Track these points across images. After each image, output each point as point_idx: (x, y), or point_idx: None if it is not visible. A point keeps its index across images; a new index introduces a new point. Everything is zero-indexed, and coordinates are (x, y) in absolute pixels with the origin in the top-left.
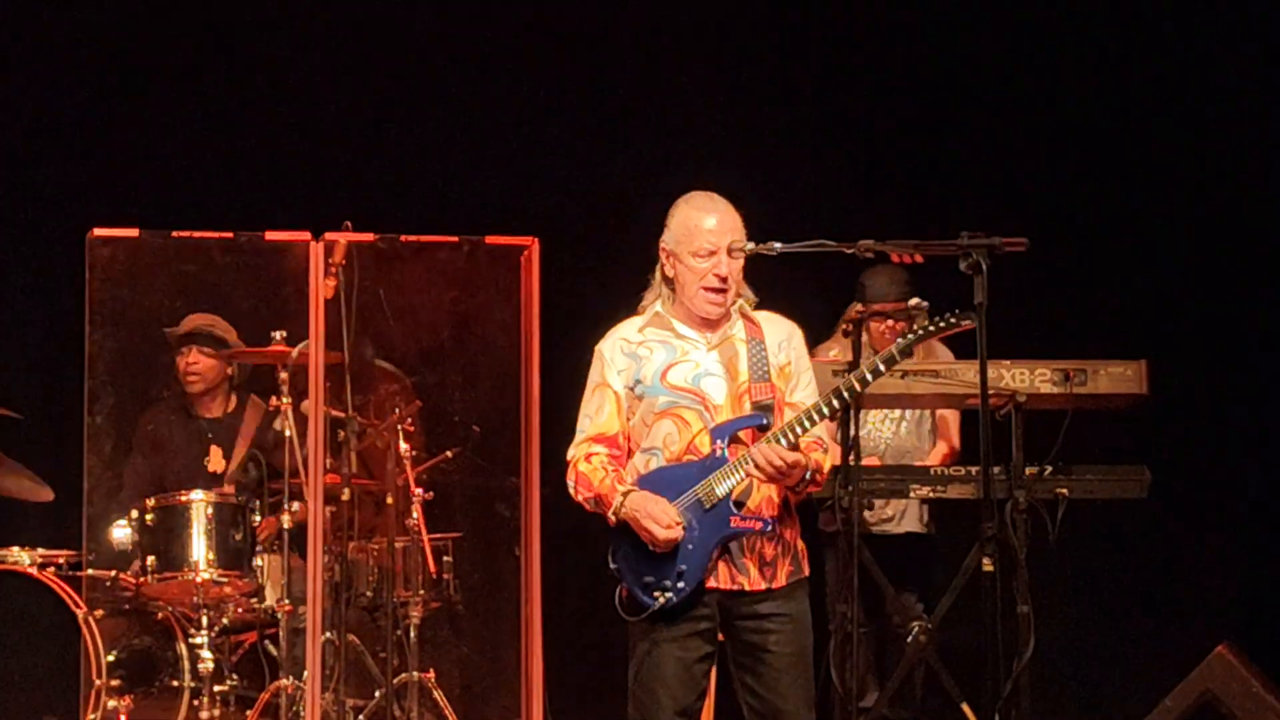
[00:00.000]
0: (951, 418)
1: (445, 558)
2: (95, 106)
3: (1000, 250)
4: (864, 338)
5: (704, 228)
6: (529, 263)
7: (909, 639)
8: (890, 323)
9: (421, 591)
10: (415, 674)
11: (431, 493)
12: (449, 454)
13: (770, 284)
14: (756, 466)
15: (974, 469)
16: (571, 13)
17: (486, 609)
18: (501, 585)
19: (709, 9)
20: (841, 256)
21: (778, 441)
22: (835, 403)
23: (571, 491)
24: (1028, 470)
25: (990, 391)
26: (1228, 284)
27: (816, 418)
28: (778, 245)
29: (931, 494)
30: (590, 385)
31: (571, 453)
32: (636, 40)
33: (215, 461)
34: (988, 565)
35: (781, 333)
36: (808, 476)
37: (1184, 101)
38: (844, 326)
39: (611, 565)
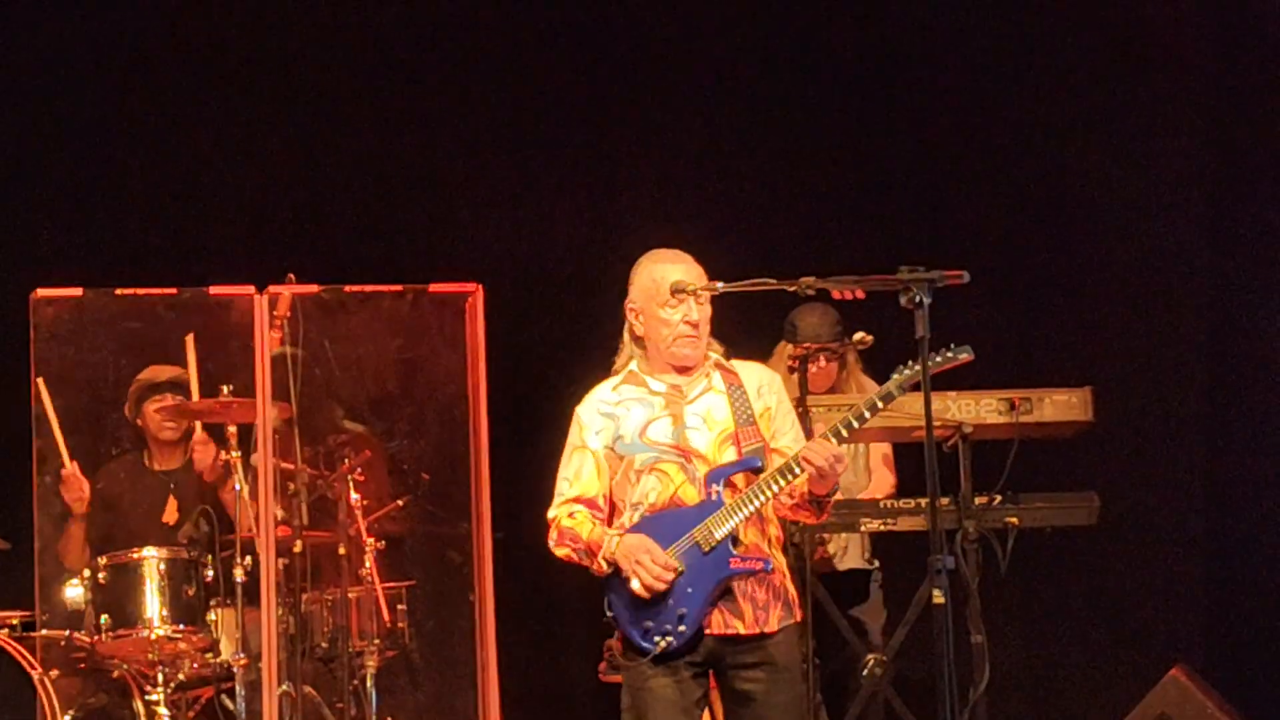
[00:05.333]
0: (889, 450)
1: (399, 606)
2: (35, 167)
3: (941, 284)
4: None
5: (670, 279)
6: (473, 309)
7: (864, 672)
8: (822, 363)
9: (377, 640)
10: None
11: (384, 542)
12: (399, 503)
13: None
14: (810, 464)
15: (923, 500)
16: (512, 61)
17: (442, 656)
18: (456, 632)
19: (649, 55)
20: (772, 294)
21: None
22: (843, 431)
23: (553, 546)
24: (977, 500)
25: (936, 423)
26: (1170, 308)
27: (844, 431)
28: (720, 285)
29: (882, 527)
30: (569, 448)
31: (552, 513)
32: (577, 87)
33: (169, 513)
34: (938, 598)
35: (760, 379)
36: (834, 490)
37: (1122, 130)
38: (791, 363)
39: (608, 614)
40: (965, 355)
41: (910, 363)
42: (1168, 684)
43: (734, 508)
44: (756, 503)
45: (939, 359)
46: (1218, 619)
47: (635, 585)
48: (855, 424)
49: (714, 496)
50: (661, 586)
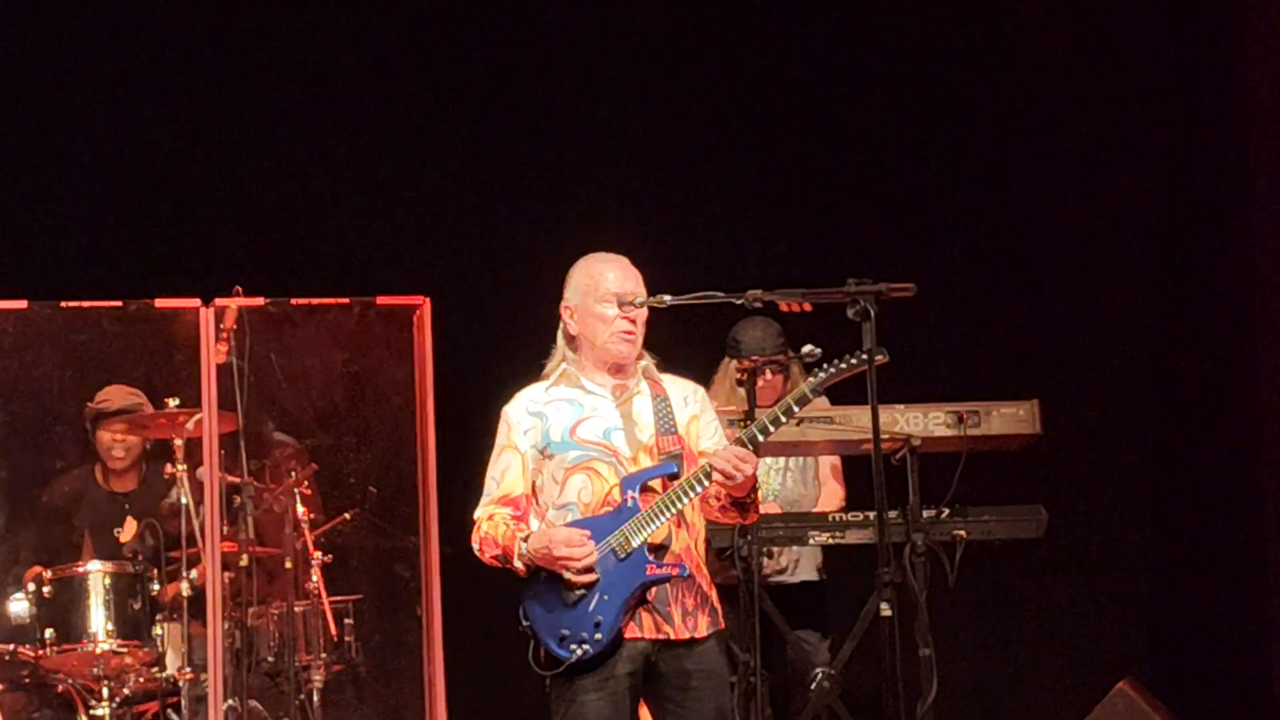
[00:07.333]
0: (837, 462)
1: (346, 620)
2: None
3: (887, 296)
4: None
5: (609, 276)
6: (421, 322)
7: (813, 685)
8: (769, 376)
9: (323, 655)
10: None
11: (330, 555)
12: (347, 516)
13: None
14: (721, 473)
15: (871, 514)
16: (458, 72)
17: (389, 670)
18: (403, 646)
19: (594, 66)
20: (713, 308)
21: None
22: (759, 436)
23: (477, 552)
24: (925, 513)
25: (884, 436)
26: (1117, 322)
27: (760, 436)
28: (668, 298)
29: (830, 540)
30: (497, 447)
31: (477, 514)
32: (525, 97)
33: (127, 533)
34: (885, 611)
35: (685, 390)
36: (753, 493)
37: (1070, 143)
38: (740, 376)
39: (523, 623)
40: (880, 358)
41: (826, 365)
42: (1116, 696)
43: (651, 514)
44: (674, 509)
45: (846, 364)
46: (1164, 631)
47: (569, 577)
48: (771, 428)
49: (629, 503)
50: (590, 558)
